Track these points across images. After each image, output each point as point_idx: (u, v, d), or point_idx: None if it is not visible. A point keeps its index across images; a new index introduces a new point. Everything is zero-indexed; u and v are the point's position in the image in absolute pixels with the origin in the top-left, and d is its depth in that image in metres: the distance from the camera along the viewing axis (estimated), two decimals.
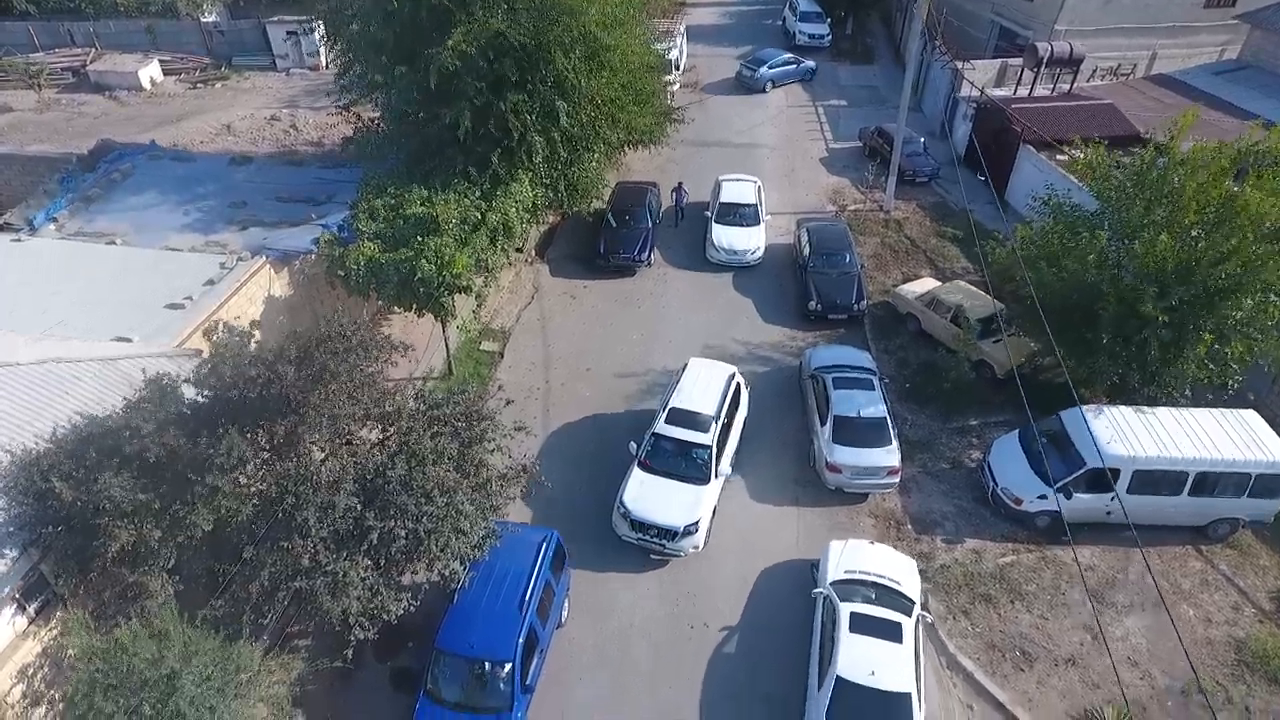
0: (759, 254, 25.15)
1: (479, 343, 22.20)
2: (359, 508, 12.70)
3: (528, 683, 13.38)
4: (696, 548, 16.21)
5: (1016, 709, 14.03)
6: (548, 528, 15.35)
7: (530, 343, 22.47)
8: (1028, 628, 15.31)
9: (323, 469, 12.82)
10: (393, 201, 19.85)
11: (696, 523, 16.03)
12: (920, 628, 14.12)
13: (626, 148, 27.03)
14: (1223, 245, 15.93)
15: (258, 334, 17.11)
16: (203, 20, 39.02)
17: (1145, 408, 17.11)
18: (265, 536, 12.52)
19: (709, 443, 16.99)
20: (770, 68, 36.27)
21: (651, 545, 16.19)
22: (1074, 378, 19.02)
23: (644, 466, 16.98)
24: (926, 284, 23.11)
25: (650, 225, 25.32)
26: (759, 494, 18.02)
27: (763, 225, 25.61)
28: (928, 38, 35.16)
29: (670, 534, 15.94)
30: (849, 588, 14.33)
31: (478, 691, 13.19)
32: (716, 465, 16.89)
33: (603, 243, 24.82)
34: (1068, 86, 31.57)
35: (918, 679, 13.06)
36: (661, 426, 17.37)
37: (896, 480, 17.66)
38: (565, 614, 15.27)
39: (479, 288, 19.34)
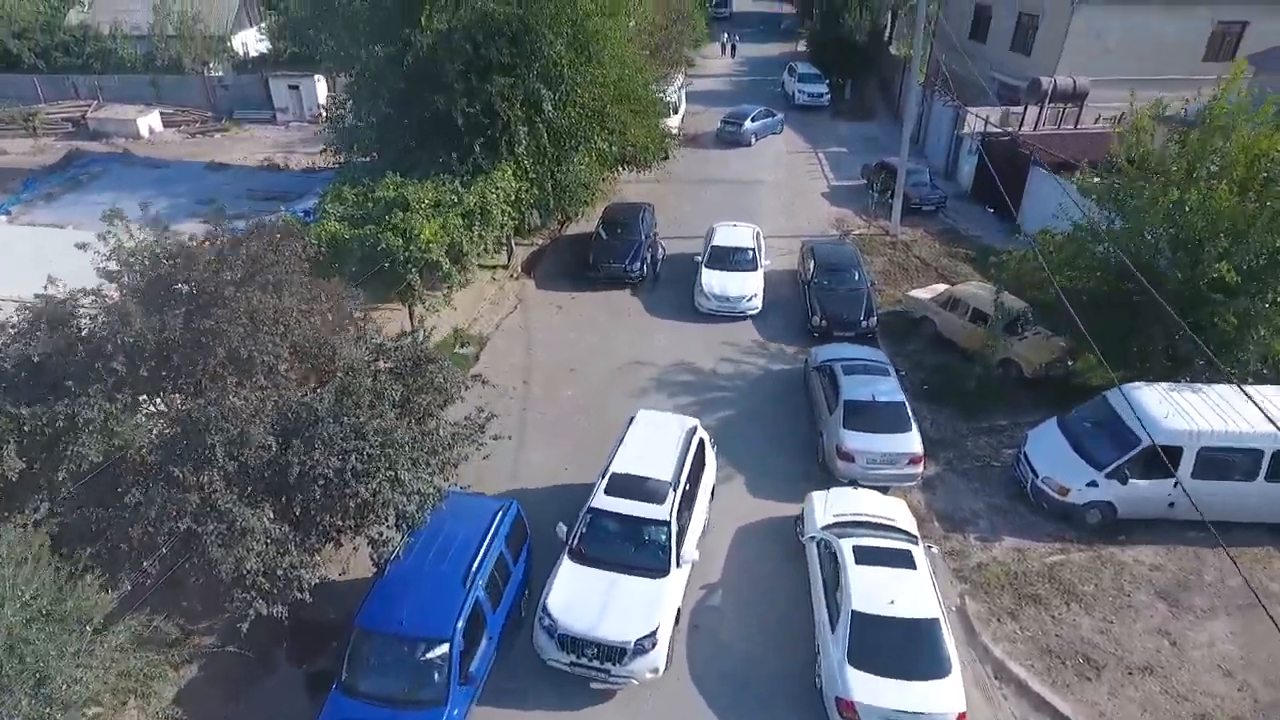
0: (756, 302, 21.70)
1: (454, 345, 20.32)
2: (274, 446, 10.54)
3: (470, 671, 10.73)
4: (656, 671, 11.46)
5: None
6: (507, 498, 12.95)
7: (510, 347, 20.57)
8: (1090, 632, 12.58)
9: (238, 399, 10.74)
10: (364, 189, 18.64)
11: (654, 633, 11.39)
12: (930, 558, 12.63)
13: (622, 166, 26.07)
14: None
15: None
16: (207, 75, 39.44)
17: (1202, 385, 14.93)
18: (159, 471, 10.28)
19: (666, 517, 12.58)
20: (753, 120, 35.67)
21: (591, 672, 11.51)
22: (1116, 375, 17.12)
23: (577, 556, 12.43)
24: (940, 287, 21.36)
25: (643, 238, 23.82)
26: (762, 492, 15.63)
27: (761, 271, 22.40)
28: (928, 85, 35.06)
29: (617, 653, 11.31)
30: (843, 529, 12.78)
31: (404, 680, 10.54)
32: (678, 549, 12.48)
33: (592, 253, 23.32)
34: (1072, 125, 30.94)
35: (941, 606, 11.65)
36: (600, 499, 12.90)
37: (919, 471, 15.29)
38: (524, 603, 12.62)
39: (449, 268, 17.71)
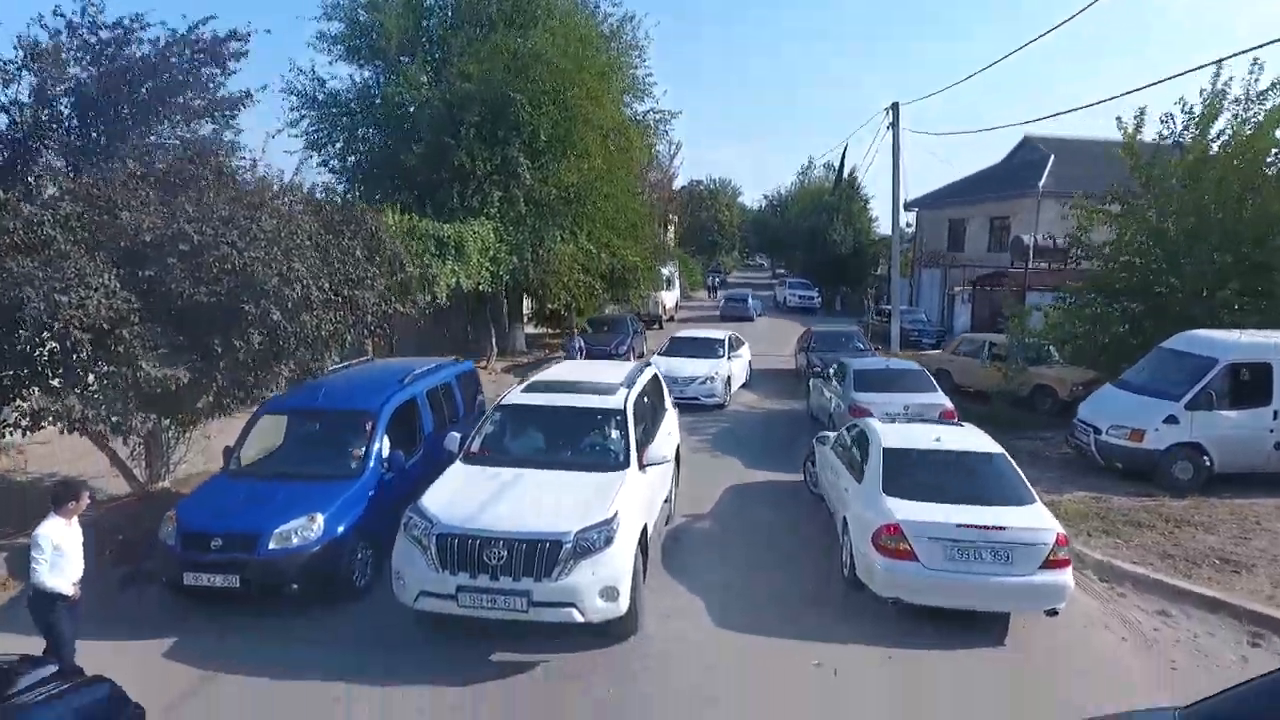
0: (714, 387, 17.34)
1: None
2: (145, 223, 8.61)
3: (397, 459, 8.40)
4: (613, 598, 6.58)
5: (1255, 606, 7.48)
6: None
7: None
8: (1221, 543, 9.08)
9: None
10: None
11: (610, 520, 6.81)
12: None
13: (613, 286, 25.84)
14: None
15: None
16: None
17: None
18: None
19: (620, 406, 8.65)
20: (753, 298, 38.51)
21: (493, 607, 6.51)
22: None
23: (475, 458, 8.10)
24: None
25: (631, 332, 22.86)
26: (760, 466, 12.67)
27: (729, 362, 18.52)
28: (913, 265, 36.33)
29: (542, 556, 6.52)
30: None
31: (313, 457, 8.45)
32: (640, 448, 8.24)
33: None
34: (1060, 267, 31.34)
35: None
36: (515, 396, 9.16)
37: None
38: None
39: (413, 271, 16.37)
